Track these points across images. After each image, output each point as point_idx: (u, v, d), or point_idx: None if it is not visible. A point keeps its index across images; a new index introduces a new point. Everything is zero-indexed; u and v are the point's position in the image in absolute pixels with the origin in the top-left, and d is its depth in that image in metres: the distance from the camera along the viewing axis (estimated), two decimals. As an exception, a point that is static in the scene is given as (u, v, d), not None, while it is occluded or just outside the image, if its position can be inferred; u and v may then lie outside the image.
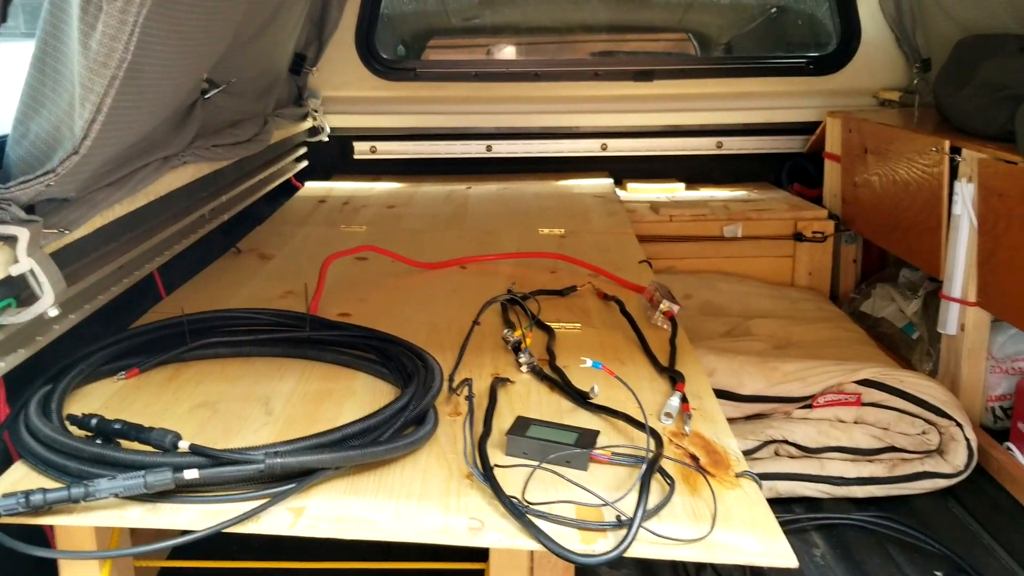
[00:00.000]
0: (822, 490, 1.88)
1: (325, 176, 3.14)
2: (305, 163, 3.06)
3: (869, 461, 1.89)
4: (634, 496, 1.17)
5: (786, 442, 1.88)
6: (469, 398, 1.38)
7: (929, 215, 2.19)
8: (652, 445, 1.26)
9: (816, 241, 2.74)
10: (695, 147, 3.18)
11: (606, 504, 1.17)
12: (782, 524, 1.81)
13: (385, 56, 3.16)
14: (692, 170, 3.20)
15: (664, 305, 1.84)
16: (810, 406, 1.93)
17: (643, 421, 1.34)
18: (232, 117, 2.25)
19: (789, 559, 1.15)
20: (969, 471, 1.89)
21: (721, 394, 1.92)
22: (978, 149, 2.00)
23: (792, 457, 1.90)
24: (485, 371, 1.53)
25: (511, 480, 1.19)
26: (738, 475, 1.31)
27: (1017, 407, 1.91)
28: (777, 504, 1.89)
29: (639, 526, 1.13)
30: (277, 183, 2.74)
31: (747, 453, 1.88)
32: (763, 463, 1.89)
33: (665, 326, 1.78)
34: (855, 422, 1.91)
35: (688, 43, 3.92)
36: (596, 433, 1.31)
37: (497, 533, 1.12)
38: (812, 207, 2.82)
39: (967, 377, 2.11)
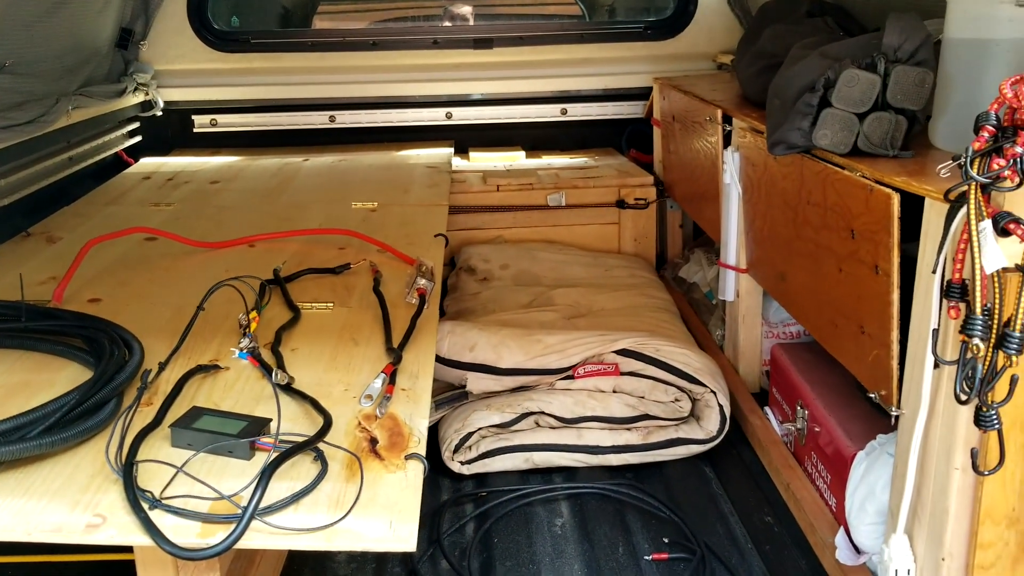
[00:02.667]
0: (579, 459, 1.92)
1: (166, 151, 3.12)
2: (137, 138, 3.03)
3: (626, 429, 1.93)
4: (286, 485, 1.20)
5: (544, 413, 1.91)
6: (141, 389, 1.39)
7: (710, 183, 2.21)
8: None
9: (639, 208, 2.76)
10: (540, 114, 3.18)
11: (222, 497, 1.19)
12: (536, 494, 1.86)
13: (219, 27, 3.12)
14: (538, 137, 3.21)
15: (419, 282, 1.85)
16: (572, 377, 1.96)
17: (323, 406, 1.37)
18: (15, 99, 2.22)
19: (409, 543, 1.18)
20: (721, 437, 1.93)
21: (482, 368, 1.94)
22: (741, 119, 2.01)
23: (552, 428, 1.93)
24: (206, 356, 1.54)
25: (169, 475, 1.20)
26: (407, 457, 1.34)
27: (772, 373, 1.95)
28: (536, 474, 1.93)
29: (250, 517, 1.15)
30: (91, 161, 2.71)
31: (506, 425, 1.91)
32: (523, 434, 1.92)
33: (414, 302, 1.80)
34: (613, 391, 1.95)
35: (575, 6, 3.91)
36: (267, 421, 1.32)
37: (112, 530, 1.13)
38: (641, 174, 2.84)
39: (743, 342, 2.15)
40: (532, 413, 1.92)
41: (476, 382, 1.95)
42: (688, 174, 2.47)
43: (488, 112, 3.18)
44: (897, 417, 1.33)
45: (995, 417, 1.11)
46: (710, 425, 1.92)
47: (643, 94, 3.08)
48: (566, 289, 2.44)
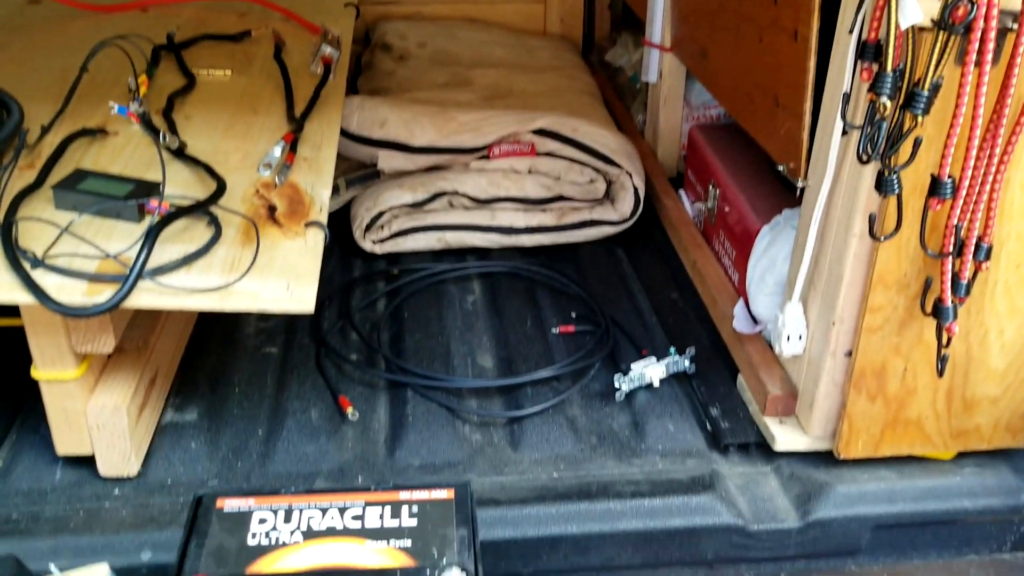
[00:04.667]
0: (492, 240, 1.91)
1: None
2: None
3: (540, 210, 1.91)
4: (179, 247, 1.17)
5: (458, 193, 1.88)
6: (18, 149, 1.30)
7: (637, -45, 2.10)
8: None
9: (565, -14, 2.63)
10: None
11: (108, 256, 1.14)
12: (447, 272, 1.86)
13: None
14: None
15: (324, 51, 1.75)
16: (487, 157, 1.91)
17: (219, 174, 1.31)
18: None
19: (307, 304, 1.16)
20: (634, 219, 1.94)
21: (393, 145, 1.88)
22: None
23: (466, 208, 1.91)
24: (93, 121, 1.45)
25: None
26: (307, 224, 1.30)
27: (688, 154, 1.93)
28: (449, 254, 1.92)
29: (138, 274, 1.12)
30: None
31: (419, 204, 1.87)
32: (436, 214, 1.89)
33: (319, 72, 1.70)
34: (529, 172, 1.91)
35: None
36: (156, 185, 1.26)
37: (-11, 287, 1.09)
38: (569, -51, 2.68)
39: (663, 125, 2.12)
40: (446, 193, 1.88)
41: (387, 160, 1.89)
42: (616, -53, 2.33)
43: None
44: (803, 190, 1.34)
45: (896, 181, 1.12)
46: (624, 207, 1.92)
47: None
48: (485, 69, 2.35)
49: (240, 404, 1.48)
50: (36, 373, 1.24)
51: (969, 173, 1.11)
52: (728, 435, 1.41)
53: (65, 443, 1.30)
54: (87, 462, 1.33)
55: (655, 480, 1.35)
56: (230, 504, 0.97)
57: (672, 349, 1.53)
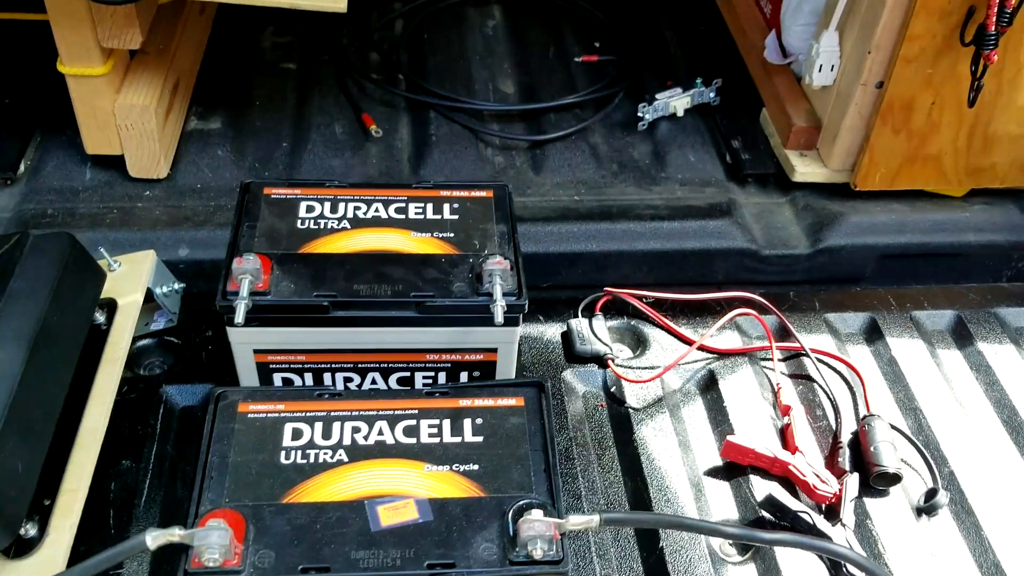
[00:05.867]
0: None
1: None
2: None
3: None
4: None
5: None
6: None
7: None
8: None
9: None
10: None
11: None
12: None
13: None
14: None
15: None
16: None
17: None
18: None
19: (340, 2, 1.13)
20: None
21: None
22: None
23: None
24: None
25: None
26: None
27: None
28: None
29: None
30: None
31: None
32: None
33: None
34: None
35: None
36: None
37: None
38: None
39: None
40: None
41: None
42: None
43: None
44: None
45: None
46: (654, -67, 1.82)
47: None
48: None
49: (262, 116, 1.48)
50: (63, 67, 1.22)
51: None
52: (747, 166, 1.44)
53: (94, 142, 1.31)
54: (116, 163, 1.34)
55: (674, 206, 1.38)
56: (277, 192, 0.99)
57: (698, 80, 1.51)
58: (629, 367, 1.12)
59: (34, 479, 0.84)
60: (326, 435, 0.77)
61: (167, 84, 1.33)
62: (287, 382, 0.94)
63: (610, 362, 1.11)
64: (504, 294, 0.88)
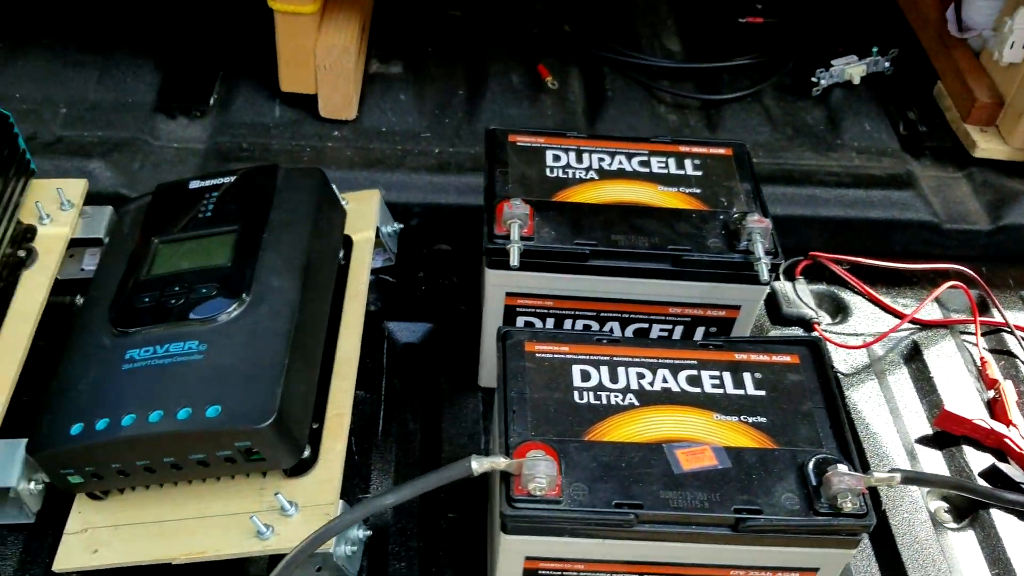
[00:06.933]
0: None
1: None
2: None
3: None
4: None
5: None
6: None
7: None
8: None
9: None
10: None
11: None
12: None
13: None
14: None
15: None
16: None
17: None
18: None
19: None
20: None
21: None
22: None
23: None
24: None
25: None
26: None
27: None
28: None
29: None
30: None
31: None
32: None
33: None
34: None
35: None
36: None
37: None
38: None
39: None
40: None
41: None
42: None
43: None
44: None
45: None
46: None
47: None
48: None
49: (436, 62, 1.48)
50: (274, 3, 1.23)
51: None
52: (925, 138, 1.43)
53: (291, 80, 1.32)
54: (304, 102, 1.36)
55: (854, 174, 1.38)
56: (522, 140, 1.00)
57: (874, 49, 1.50)
58: (834, 332, 1.13)
59: (311, 403, 0.87)
60: (613, 379, 0.79)
61: (359, 25, 1.34)
62: (528, 325, 0.96)
63: (816, 326, 1.12)
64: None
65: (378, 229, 1.08)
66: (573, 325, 0.96)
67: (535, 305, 0.94)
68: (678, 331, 0.97)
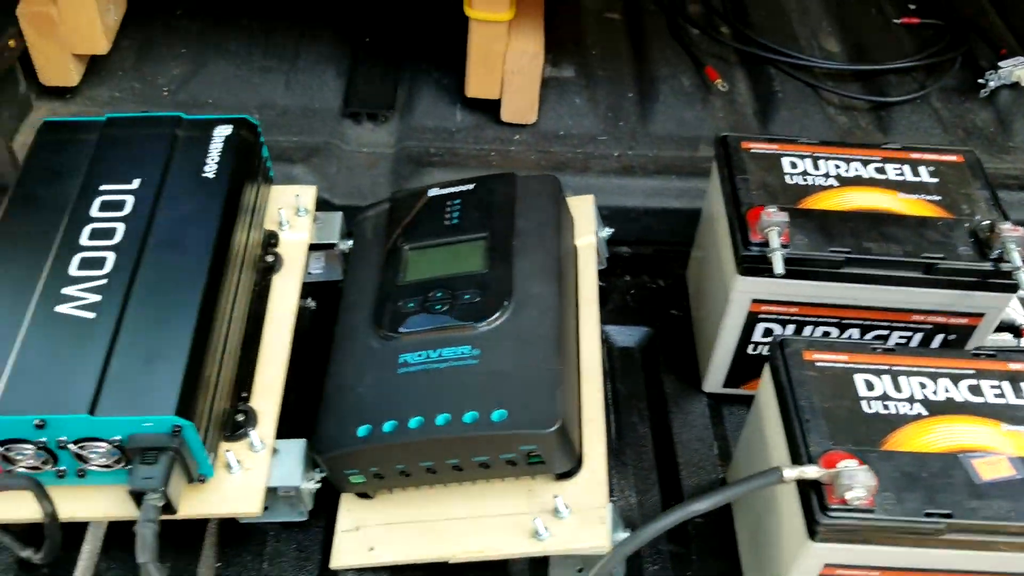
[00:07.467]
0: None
1: None
2: None
3: None
4: None
5: None
6: None
7: None
8: None
9: None
10: None
11: None
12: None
13: None
14: None
15: None
16: None
17: None
18: None
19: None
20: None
21: None
22: None
23: None
24: None
25: None
26: None
27: None
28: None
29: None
30: None
31: None
32: None
33: None
34: None
35: None
36: None
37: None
38: None
39: None
40: None
41: None
42: None
43: None
44: None
45: None
46: None
47: None
48: None
49: (603, 66, 1.49)
50: (471, 11, 1.25)
51: None
52: (1101, 141, 1.42)
53: (478, 85, 1.34)
54: (485, 106, 1.37)
55: (1033, 176, 1.38)
56: (756, 147, 1.01)
57: (1043, 49, 1.49)
58: (1047, 338, 1.13)
59: (578, 408, 0.89)
60: (897, 388, 0.80)
61: (544, 32, 1.36)
62: (768, 332, 0.97)
63: (1027, 332, 1.12)
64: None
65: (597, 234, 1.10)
66: (813, 332, 0.97)
67: (780, 312, 0.95)
68: (916, 338, 0.97)
